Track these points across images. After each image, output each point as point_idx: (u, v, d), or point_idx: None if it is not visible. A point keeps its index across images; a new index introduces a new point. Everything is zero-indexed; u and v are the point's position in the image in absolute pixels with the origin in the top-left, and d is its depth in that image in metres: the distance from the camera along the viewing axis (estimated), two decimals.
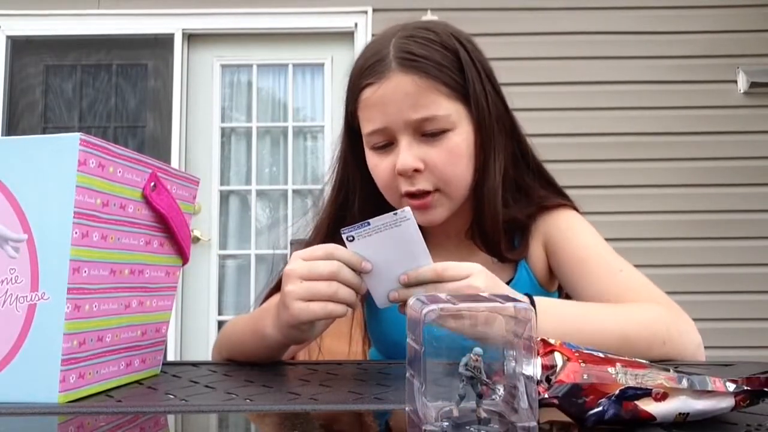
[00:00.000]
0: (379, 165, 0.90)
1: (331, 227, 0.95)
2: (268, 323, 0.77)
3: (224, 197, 3.32)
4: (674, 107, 3.14)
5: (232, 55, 3.34)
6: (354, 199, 0.97)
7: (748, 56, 3.15)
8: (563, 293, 1.02)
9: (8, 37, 3.27)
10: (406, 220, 0.67)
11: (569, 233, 0.94)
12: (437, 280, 0.69)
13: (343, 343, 1.09)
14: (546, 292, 0.97)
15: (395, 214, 0.66)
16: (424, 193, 0.88)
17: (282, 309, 0.71)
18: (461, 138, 0.87)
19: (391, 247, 0.68)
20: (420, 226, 0.99)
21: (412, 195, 0.88)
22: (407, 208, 0.67)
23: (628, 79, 3.16)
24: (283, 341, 0.78)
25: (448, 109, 0.86)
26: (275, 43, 3.33)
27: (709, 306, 2.95)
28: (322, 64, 3.33)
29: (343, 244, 0.70)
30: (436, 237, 0.97)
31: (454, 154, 0.87)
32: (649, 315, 0.79)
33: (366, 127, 0.89)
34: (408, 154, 0.85)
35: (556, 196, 0.98)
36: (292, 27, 3.27)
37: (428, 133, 0.86)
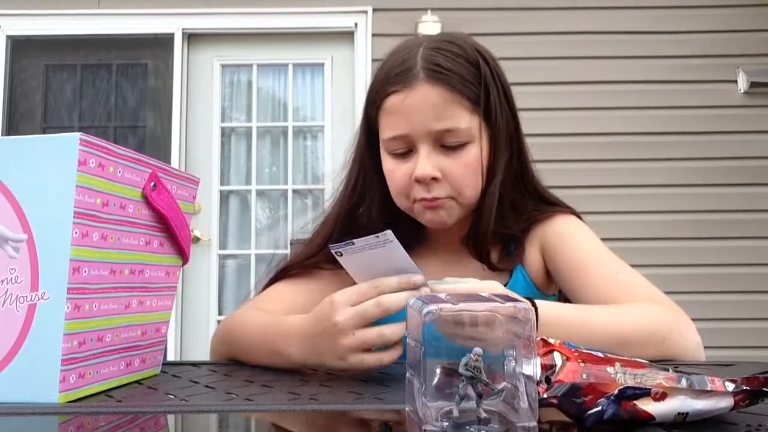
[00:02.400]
0: (395, 171, 0.91)
1: (338, 225, 0.96)
2: (293, 350, 0.75)
3: (224, 197, 3.32)
4: (674, 107, 3.14)
5: (232, 54, 3.34)
6: (370, 201, 0.97)
7: (748, 56, 3.15)
8: (562, 296, 1.02)
9: (8, 37, 3.27)
10: (389, 242, 0.68)
11: (566, 237, 0.94)
12: None
13: None
14: (543, 296, 0.97)
15: (377, 237, 0.67)
16: (437, 200, 0.90)
17: (333, 359, 0.71)
18: (477, 151, 0.89)
19: (379, 263, 0.70)
20: (424, 235, 1.01)
21: (425, 200, 0.90)
22: (388, 231, 0.68)
23: (628, 79, 3.16)
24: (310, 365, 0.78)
25: (469, 122, 0.88)
26: (275, 43, 3.33)
27: (709, 306, 2.95)
28: (322, 64, 3.33)
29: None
30: (435, 243, 1.00)
31: (470, 167, 0.89)
32: (649, 314, 0.79)
33: (386, 132, 0.91)
34: (427, 162, 0.87)
35: (551, 207, 0.99)
36: (292, 27, 3.27)
37: (448, 144, 0.88)
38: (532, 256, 0.97)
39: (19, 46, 3.29)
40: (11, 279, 0.60)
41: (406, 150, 0.90)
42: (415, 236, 1.00)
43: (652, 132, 3.13)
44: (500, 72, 0.94)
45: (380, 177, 0.95)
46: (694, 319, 0.81)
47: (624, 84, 3.16)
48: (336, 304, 0.70)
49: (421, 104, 0.87)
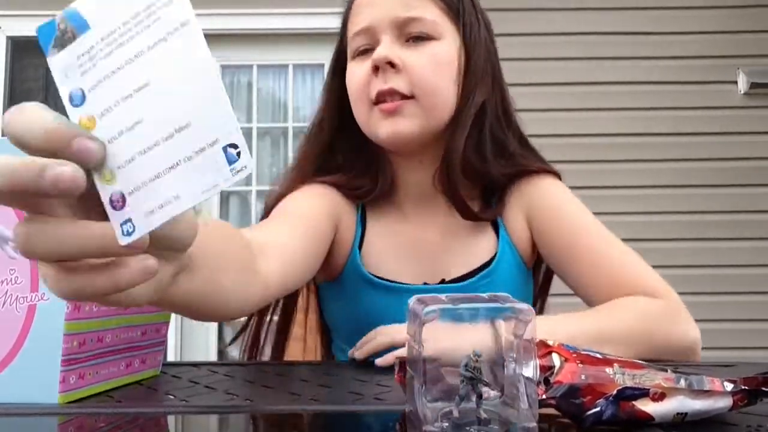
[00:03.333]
0: (355, 71, 0.87)
1: (307, 165, 0.94)
2: None
3: (224, 198, 3.33)
4: (674, 108, 3.14)
5: (232, 55, 3.34)
6: (330, 128, 0.94)
7: (748, 57, 3.15)
8: (541, 266, 0.98)
9: (8, 38, 3.27)
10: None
11: (560, 206, 0.90)
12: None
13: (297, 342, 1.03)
14: (526, 270, 0.94)
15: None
16: (395, 97, 0.83)
17: None
18: (445, 49, 0.85)
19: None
20: (396, 182, 0.93)
21: (383, 100, 0.83)
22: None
23: (628, 79, 3.16)
24: None
25: (436, 17, 0.85)
26: (275, 44, 3.33)
27: (710, 307, 2.95)
28: (322, 65, 3.33)
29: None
30: (404, 191, 0.94)
31: (436, 62, 0.84)
32: (634, 311, 0.78)
33: (352, 31, 0.87)
34: (386, 47, 0.83)
35: (538, 162, 0.95)
36: (292, 28, 3.27)
37: (412, 36, 0.84)
38: (518, 222, 0.92)
39: (19, 46, 3.30)
40: (11, 279, 0.60)
41: (370, 47, 0.85)
42: (384, 184, 0.92)
43: (652, 133, 3.13)
44: (481, 9, 0.91)
45: (344, 114, 0.92)
46: (694, 320, 0.81)
47: (623, 85, 3.16)
48: None
49: None
